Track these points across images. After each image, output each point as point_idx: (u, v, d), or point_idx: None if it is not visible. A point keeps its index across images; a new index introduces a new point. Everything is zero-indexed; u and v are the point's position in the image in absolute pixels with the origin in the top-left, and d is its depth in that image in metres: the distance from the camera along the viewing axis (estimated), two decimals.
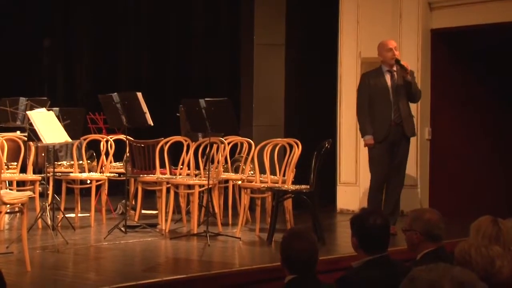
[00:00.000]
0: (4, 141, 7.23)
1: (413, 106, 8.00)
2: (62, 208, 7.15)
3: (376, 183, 6.84)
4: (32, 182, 7.11)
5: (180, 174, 7.37)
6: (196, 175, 7.42)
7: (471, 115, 8.71)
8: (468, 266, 2.71)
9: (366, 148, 6.94)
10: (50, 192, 7.07)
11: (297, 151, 6.77)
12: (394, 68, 6.87)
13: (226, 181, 7.60)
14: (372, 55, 7.22)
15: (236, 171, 7.83)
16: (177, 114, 8.29)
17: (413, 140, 7.93)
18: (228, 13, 10.25)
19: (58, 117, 6.48)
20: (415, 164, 8.18)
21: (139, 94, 6.82)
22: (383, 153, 6.79)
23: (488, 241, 3.10)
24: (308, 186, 6.38)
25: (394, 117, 6.80)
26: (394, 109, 6.80)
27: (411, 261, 3.73)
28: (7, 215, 7.25)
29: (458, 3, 8.21)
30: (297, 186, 6.53)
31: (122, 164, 8.14)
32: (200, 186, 6.89)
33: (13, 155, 7.59)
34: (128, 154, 7.49)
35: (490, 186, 8.76)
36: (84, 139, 7.76)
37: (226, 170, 7.77)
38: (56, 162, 7.57)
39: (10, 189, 6.96)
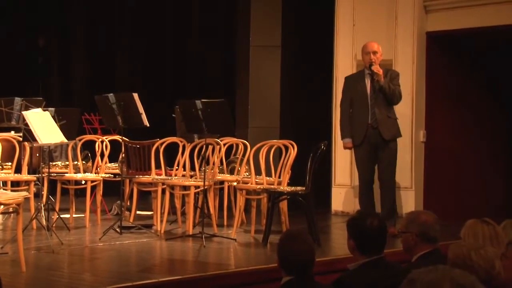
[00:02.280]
0: None
1: (408, 109, 8.04)
2: (57, 209, 7.13)
3: (363, 184, 6.96)
4: (27, 183, 7.08)
5: (175, 175, 7.37)
6: (191, 176, 7.41)
7: (466, 117, 8.73)
8: (469, 270, 2.71)
9: None
10: (44, 192, 7.05)
11: (293, 152, 6.78)
12: None
13: (222, 182, 7.59)
14: None
15: (231, 172, 7.83)
16: (173, 115, 8.29)
17: (407, 142, 7.96)
18: (225, 14, 10.26)
19: (53, 117, 6.46)
20: (410, 166, 8.19)
21: (135, 95, 6.82)
22: (365, 155, 6.89)
23: (490, 242, 3.11)
24: (304, 188, 6.38)
25: (371, 121, 6.85)
26: (371, 113, 6.85)
27: (407, 263, 3.73)
28: (1, 215, 7.23)
29: (453, 6, 8.24)
30: (293, 188, 6.53)
31: (117, 164, 8.13)
32: (196, 187, 6.89)
33: (8, 155, 7.57)
34: (123, 155, 7.49)
35: (485, 188, 8.78)
36: (79, 140, 7.75)
37: (221, 171, 7.76)
38: (51, 163, 7.55)
39: (4, 189, 6.94)
